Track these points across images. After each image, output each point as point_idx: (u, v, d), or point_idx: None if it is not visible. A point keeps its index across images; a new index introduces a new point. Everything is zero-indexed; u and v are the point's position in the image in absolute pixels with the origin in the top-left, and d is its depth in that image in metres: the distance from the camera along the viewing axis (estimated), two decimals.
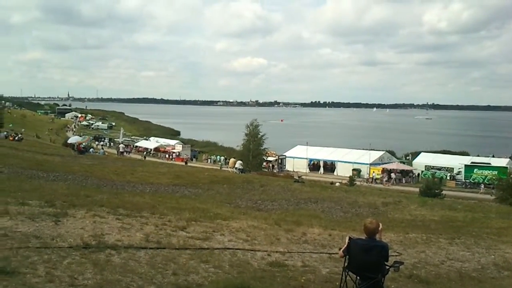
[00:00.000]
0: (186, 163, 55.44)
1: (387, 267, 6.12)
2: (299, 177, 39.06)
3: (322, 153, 59.16)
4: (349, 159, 55.57)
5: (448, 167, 53.95)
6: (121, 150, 59.80)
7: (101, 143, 77.72)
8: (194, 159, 65.60)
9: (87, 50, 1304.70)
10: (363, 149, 59.74)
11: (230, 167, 41.21)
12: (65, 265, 6.36)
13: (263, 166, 52.31)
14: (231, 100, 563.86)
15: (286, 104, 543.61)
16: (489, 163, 51.92)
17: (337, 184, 38.35)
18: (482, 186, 44.52)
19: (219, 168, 48.83)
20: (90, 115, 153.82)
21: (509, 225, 13.90)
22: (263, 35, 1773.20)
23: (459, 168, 52.38)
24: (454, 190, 43.02)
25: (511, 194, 27.99)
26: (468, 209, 18.22)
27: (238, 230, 10.35)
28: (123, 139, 74.99)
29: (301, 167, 55.58)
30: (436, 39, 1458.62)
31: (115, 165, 30.26)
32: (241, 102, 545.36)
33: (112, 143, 78.58)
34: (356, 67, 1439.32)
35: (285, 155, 59.74)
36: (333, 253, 8.35)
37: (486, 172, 48.77)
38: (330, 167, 56.91)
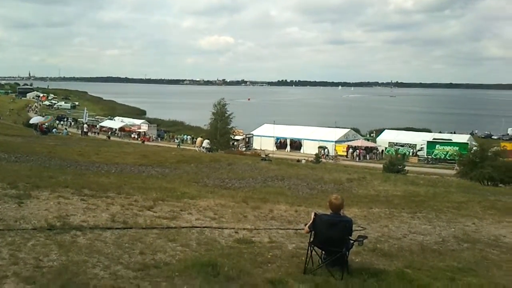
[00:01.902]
0: (143, 142, 54.41)
1: (351, 241, 6.28)
2: (266, 155, 39.24)
3: (289, 131, 59.60)
4: (315, 137, 56.21)
5: (411, 144, 55.32)
6: (85, 130, 58.72)
7: (62, 123, 76.07)
8: (159, 139, 64.93)
9: (50, 28, 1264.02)
10: (329, 127, 60.44)
11: (197, 146, 41.04)
12: (30, 247, 6.26)
13: (231, 144, 52.33)
14: (198, 79, 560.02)
15: (253, 83, 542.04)
16: (451, 139, 53.43)
17: (303, 161, 38.81)
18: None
19: (176, 146, 48.22)
20: (52, 95, 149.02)
21: (469, 199, 14.30)
22: (230, 13, 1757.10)
23: (421, 145, 53.75)
24: (416, 166, 44.13)
25: (471, 169, 28.80)
26: (429, 184, 18.67)
27: (206, 208, 10.35)
28: (88, 119, 73.49)
29: (268, 145, 55.86)
30: (402, 18, 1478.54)
31: (79, 145, 29.71)
32: (208, 81, 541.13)
33: (75, 123, 76.93)
34: (323, 45, 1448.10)
35: (252, 134, 59.90)
36: (299, 229, 8.44)
37: (447, 148, 50.13)
38: (296, 145, 57.42)
